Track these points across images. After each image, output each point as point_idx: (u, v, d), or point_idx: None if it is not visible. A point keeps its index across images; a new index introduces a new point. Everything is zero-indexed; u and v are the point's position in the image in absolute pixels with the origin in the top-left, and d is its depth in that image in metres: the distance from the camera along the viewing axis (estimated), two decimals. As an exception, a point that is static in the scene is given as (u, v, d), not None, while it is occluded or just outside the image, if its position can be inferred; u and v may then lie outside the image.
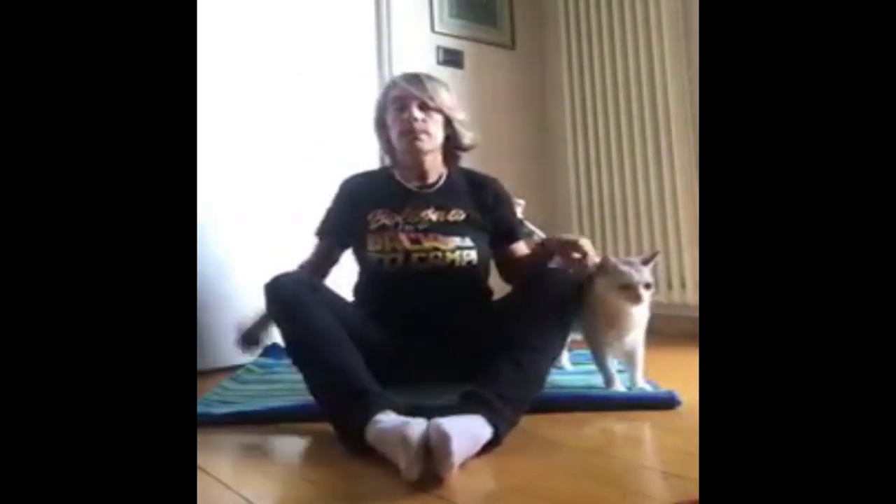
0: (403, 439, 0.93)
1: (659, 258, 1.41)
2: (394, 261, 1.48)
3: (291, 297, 1.28)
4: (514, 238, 1.62)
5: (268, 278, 1.34)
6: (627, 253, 2.54)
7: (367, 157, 2.37)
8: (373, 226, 1.53)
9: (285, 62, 2.29)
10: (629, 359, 1.43)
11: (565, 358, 1.70)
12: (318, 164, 2.24)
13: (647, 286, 1.33)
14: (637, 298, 1.32)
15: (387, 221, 1.53)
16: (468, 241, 1.51)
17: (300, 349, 1.25)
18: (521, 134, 2.90)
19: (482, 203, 1.58)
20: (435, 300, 1.48)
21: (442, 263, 1.48)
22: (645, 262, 1.35)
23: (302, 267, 1.56)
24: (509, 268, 1.61)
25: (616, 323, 1.38)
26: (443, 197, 1.57)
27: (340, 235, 1.59)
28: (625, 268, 1.33)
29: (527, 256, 1.60)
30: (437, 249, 1.48)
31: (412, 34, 2.61)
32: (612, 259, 1.36)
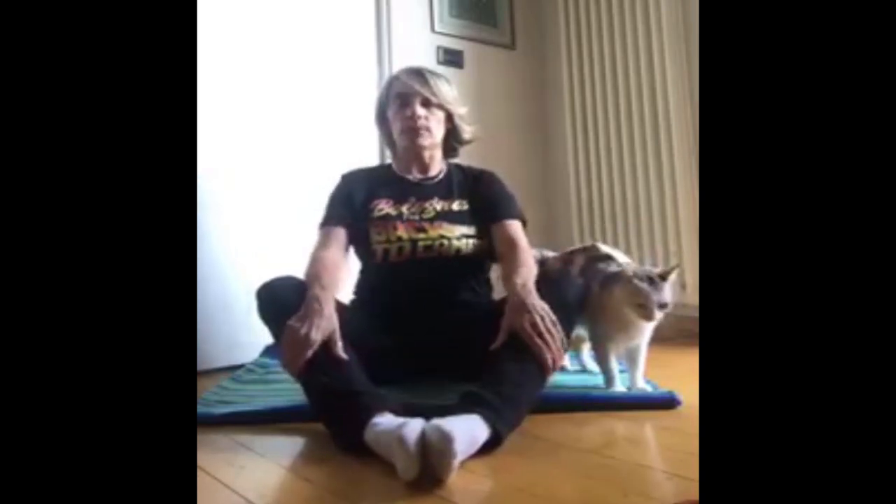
0: (400, 440, 0.93)
1: (675, 273, 1.34)
2: (400, 250, 1.47)
3: (283, 302, 1.26)
4: (498, 217, 1.52)
5: (267, 278, 1.34)
6: (627, 252, 2.53)
7: (368, 155, 2.37)
8: (375, 214, 1.51)
9: (285, 62, 2.29)
10: (632, 359, 1.44)
11: (566, 358, 1.68)
12: (319, 163, 2.24)
13: (663, 306, 1.30)
14: (649, 317, 1.31)
15: (390, 211, 1.52)
16: (473, 231, 1.51)
17: None
18: (520, 134, 2.90)
19: (475, 191, 1.57)
20: (441, 288, 1.47)
21: (448, 251, 1.47)
22: (662, 277, 1.31)
23: (316, 258, 1.41)
24: (499, 250, 1.50)
25: (625, 330, 1.38)
26: (445, 188, 1.57)
27: (349, 219, 1.51)
28: (642, 285, 1.30)
29: (507, 302, 1.30)
30: (442, 237, 1.48)
31: (412, 34, 2.61)
32: (630, 270, 1.33)
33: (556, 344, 1.19)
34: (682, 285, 2.36)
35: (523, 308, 1.22)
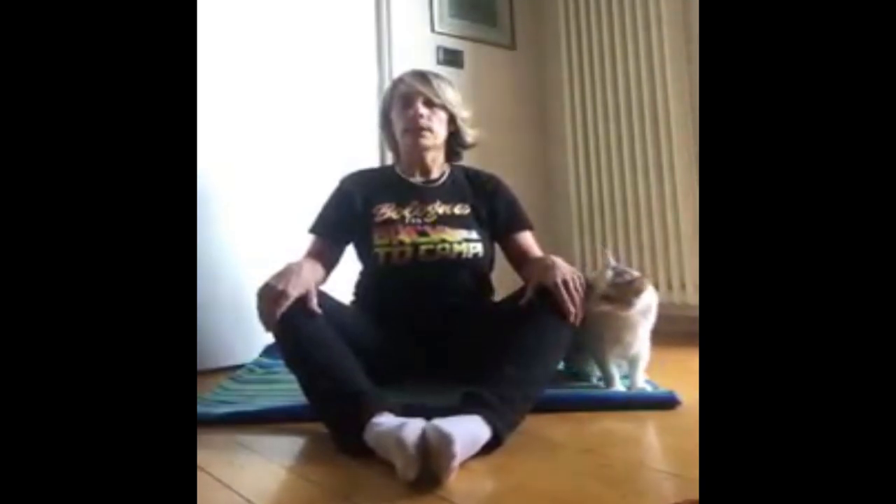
0: (400, 441, 0.93)
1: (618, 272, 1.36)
2: (402, 254, 1.47)
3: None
4: (515, 228, 1.59)
5: (267, 278, 1.34)
6: (627, 252, 2.54)
7: (367, 156, 2.38)
8: (378, 219, 1.51)
9: (285, 62, 2.29)
10: (631, 363, 1.43)
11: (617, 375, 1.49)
12: (319, 163, 2.24)
13: (607, 297, 1.32)
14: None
15: (393, 215, 1.52)
16: (474, 234, 1.51)
17: (294, 355, 1.24)
18: (520, 134, 2.90)
19: (483, 198, 1.58)
20: (442, 292, 1.48)
21: (450, 255, 1.47)
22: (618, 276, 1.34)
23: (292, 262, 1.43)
24: (517, 260, 1.58)
25: (604, 327, 1.37)
26: (448, 191, 1.57)
27: (335, 234, 1.55)
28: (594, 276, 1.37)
29: (531, 265, 1.46)
30: (444, 241, 1.48)
31: (412, 34, 2.61)
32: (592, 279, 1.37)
33: (580, 302, 1.27)
34: (682, 285, 2.36)
35: (553, 266, 1.31)
